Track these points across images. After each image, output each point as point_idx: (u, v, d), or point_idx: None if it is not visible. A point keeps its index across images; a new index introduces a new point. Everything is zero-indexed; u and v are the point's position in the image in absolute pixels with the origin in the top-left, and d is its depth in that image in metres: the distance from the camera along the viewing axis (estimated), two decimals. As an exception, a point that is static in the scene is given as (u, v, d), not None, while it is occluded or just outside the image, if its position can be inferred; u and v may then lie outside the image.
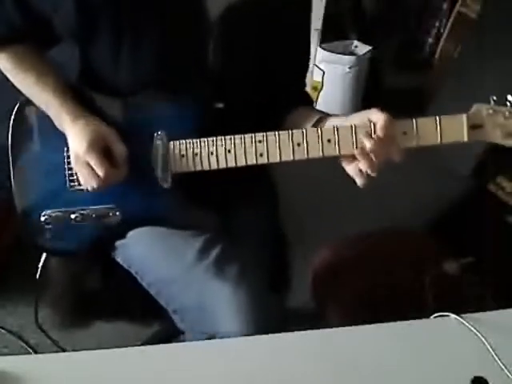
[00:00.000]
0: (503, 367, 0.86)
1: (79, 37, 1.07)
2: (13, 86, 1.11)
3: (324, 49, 2.85)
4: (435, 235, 1.79)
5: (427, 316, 0.97)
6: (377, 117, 0.96)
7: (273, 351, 0.91)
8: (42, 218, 1.12)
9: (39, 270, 1.19)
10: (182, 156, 1.03)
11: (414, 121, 0.97)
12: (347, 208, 2.34)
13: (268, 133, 1.00)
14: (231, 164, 1.01)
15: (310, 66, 1.30)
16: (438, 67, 3.22)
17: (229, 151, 1.01)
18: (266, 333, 0.95)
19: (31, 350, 1.72)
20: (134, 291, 1.16)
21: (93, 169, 1.02)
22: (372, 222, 2.12)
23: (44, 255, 1.19)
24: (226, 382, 0.86)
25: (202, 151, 1.02)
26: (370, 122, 0.97)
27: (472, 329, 0.92)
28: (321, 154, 0.99)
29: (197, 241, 1.10)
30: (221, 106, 1.08)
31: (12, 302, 1.88)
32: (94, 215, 1.10)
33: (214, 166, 1.02)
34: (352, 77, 2.90)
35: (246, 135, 1.00)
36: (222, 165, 1.02)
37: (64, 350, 1.37)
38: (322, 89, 2.90)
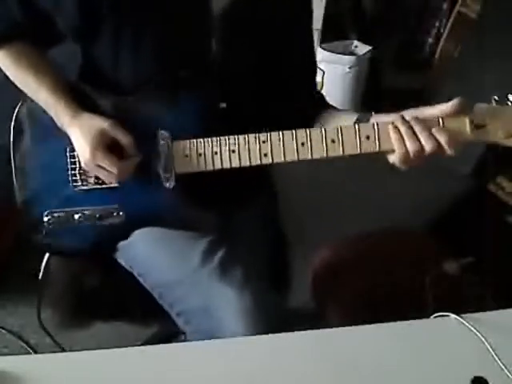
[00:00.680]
0: (503, 367, 0.86)
1: (80, 34, 1.07)
2: (13, 86, 1.11)
3: (324, 49, 2.85)
4: (435, 235, 1.79)
5: (427, 316, 0.97)
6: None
7: (273, 351, 0.90)
8: (45, 218, 1.11)
9: (42, 269, 1.19)
10: (186, 156, 1.03)
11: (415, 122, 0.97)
12: (347, 208, 2.34)
13: (272, 133, 0.99)
14: (235, 164, 1.01)
15: (316, 61, 1.30)
16: (438, 67, 3.22)
17: (233, 151, 1.00)
18: (268, 334, 0.95)
19: (31, 350, 1.72)
20: (134, 292, 1.16)
21: (106, 169, 1.02)
22: (372, 222, 2.12)
23: (47, 255, 1.19)
24: (226, 382, 0.86)
25: (206, 151, 1.01)
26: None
27: (472, 329, 0.92)
28: (325, 154, 0.99)
29: (200, 243, 1.10)
30: (224, 105, 1.08)
31: (12, 302, 1.88)
32: (97, 215, 1.09)
33: (218, 167, 1.01)
34: (352, 77, 2.90)
35: (249, 135, 1.00)
36: (226, 165, 1.01)
37: (64, 349, 1.37)
38: (321, 89, 2.89)
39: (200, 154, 1.02)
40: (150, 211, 1.09)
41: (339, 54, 2.87)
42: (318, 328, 0.94)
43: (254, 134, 1.00)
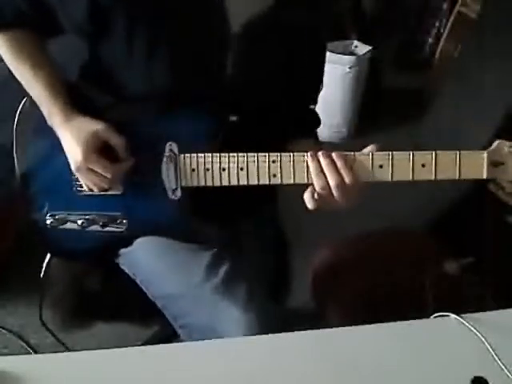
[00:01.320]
0: (503, 367, 0.86)
1: (87, 36, 1.05)
2: (15, 85, 1.10)
3: (324, 49, 2.84)
4: (435, 235, 1.79)
5: (427, 316, 0.97)
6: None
7: (273, 351, 0.90)
8: (48, 221, 1.10)
9: (43, 269, 1.19)
10: (193, 170, 1.00)
11: (433, 154, 0.94)
12: (347, 208, 2.34)
13: (283, 154, 0.97)
14: (243, 182, 0.98)
15: (323, 79, 1.31)
16: (438, 67, 3.22)
17: (241, 169, 0.98)
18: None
19: (31, 350, 1.72)
20: (134, 292, 1.16)
21: (98, 172, 1.01)
22: (372, 222, 2.12)
23: (48, 256, 1.19)
24: (226, 382, 0.86)
25: (214, 167, 0.99)
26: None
27: (472, 329, 0.92)
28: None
29: (204, 256, 1.09)
30: (234, 119, 1.07)
31: (12, 302, 1.88)
32: (100, 221, 1.08)
33: (225, 183, 0.99)
34: (352, 77, 2.90)
35: (259, 154, 0.97)
36: (234, 182, 0.99)
37: (67, 348, 1.37)
38: (321, 89, 2.89)
39: (207, 169, 1.00)
40: (153, 221, 1.07)
41: (339, 54, 2.86)
42: (318, 328, 0.94)
43: (263, 154, 0.97)
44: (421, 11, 3.40)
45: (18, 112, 1.12)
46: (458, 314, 0.95)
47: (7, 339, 1.78)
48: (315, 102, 1.26)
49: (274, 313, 1.06)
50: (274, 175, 0.97)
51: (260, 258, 1.22)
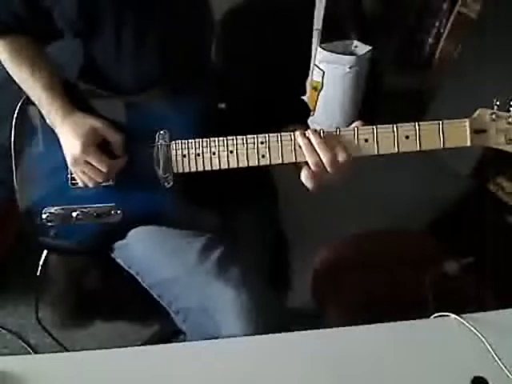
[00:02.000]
0: (503, 367, 0.86)
1: (81, 34, 1.08)
2: (13, 84, 1.11)
3: (324, 49, 2.84)
4: (435, 235, 1.79)
5: (427, 316, 0.97)
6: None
7: (273, 351, 0.91)
8: (44, 216, 1.12)
9: (40, 267, 1.19)
10: (184, 156, 1.03)
11: (416, 125, 0.97)
12: (347, 208, 2.35)
13: (270, 134, 1.00)
14: (233, 165, 1.01)
15: (310, 65, 1.31)
16: (438, 67, 3.22)
17: (231, 152, 1.01)
18: (268, 333, 0.95)
19: (31, 350, 1.72)
20: (133, 291, 1.16)
21: (94, 166, 1.02)
22: (372, 221, 2.12)
23: (45, 252, 1.19)
24: (226, 382, 0.86)
25: (204, 152, 1.02)
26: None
27: (472, 329, 0.92)
28: None
29: (198, 241, 1.10)
30: (223, 106, 1.08)
31: (12, 302, 1.88)
32: (95, 213, 1.10)
33: (216, 167, 1.02)
34: (352, 77, 2.90)
35: (248, 136, 1.00)
36: (224, 166, 1.02)
37: (64, 347, 1.37)
38: (322, 89, 2.90)
39: (198, 155, 1.02)
40: (147, 210, 1.10)
41: (339, 53, 2.86)
42: (318, 328, 0.94)
43: (252, 136, 1.00)
44: (421, 11, 3.39)
45: (17, 110, 1.13)
46: (458, 314, 0.95)
47: (7, 339, 1.78)
48: (304, 91, 1.29)
49: (268, 294, 1.07)
50: (263, 156, 1.00)
51: (255, 241, 1.22)
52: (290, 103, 1.21)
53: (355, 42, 3.01)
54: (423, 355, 0.90)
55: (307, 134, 0.98)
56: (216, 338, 1.01)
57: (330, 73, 2.87)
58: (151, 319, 1.39)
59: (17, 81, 1.10)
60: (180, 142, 1.03)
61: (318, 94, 2.91)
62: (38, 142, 1.13)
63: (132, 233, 1.13)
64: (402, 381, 0.87)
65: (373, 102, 3.08)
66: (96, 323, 1.35)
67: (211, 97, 1.07)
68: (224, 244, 1.10)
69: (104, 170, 1.02)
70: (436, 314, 0.96)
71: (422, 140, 0.97)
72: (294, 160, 1.00)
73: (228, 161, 1.01)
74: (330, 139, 0.97)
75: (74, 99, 1.08)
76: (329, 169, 0.97)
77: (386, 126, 0.98)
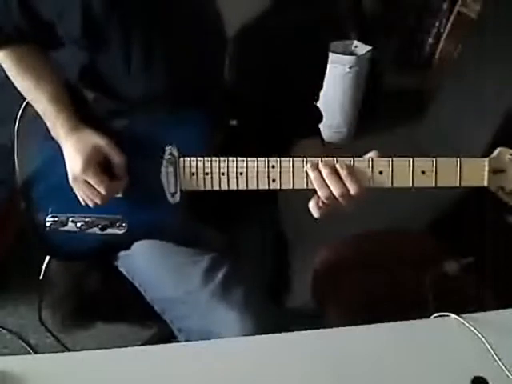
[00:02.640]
0: (503, 367, 0.86)
1: (84, 47, 1.04)
2: (13, 86, 1.10)
3: (324, 49, 2.84)
4: (435, 235, 1.78)
5: (427, 316, 0.97)
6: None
7: (273, 351, 0.91)
8: (48, 222, 1.11)
9: (43, 270, 1.19)
10: (193, 174, 1.01)
11: (433, 160, 0.94)
12: (351, 210, 2.34)
13: (282, 158, 0.97)
14: (242, 186, 0.99)
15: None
16: (438, 67, 3.22)
17: (240, 173, 0.98)
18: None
19: (31, 350, 1.72)
20: (134, 293, 1.16)
21: (93, 186, 1.00)
22: (372, 222, 2.12)
23: (47, 258, 1.19)
24: (226, 382, 0.86)
25: (213, 171, 0.99)
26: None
27: (472, 329, 0.92)
28: None
29: (202, 260, 1.09)
30: (234, 123, 1.07)
31: (12, 302, 1.88)
32: (99, 224, 1.08)
33: (225, 187, 0.99)
34: (352, 77, 2.90)
35: (259, 159, 0.97)
36: (233, 187, 0.99)
37: (66, 348, 1.37)
38: (322, 86, 2.89)
39: (207, 174, 1.00)
40: (153, 225, 1.08)
41: (339, 54, 2.86)
42: (318, 328, 0.94)
43: (263, 158, 0.97)
44: (421, 11, 3.40)
45: (19, 115, 1.12)
46: (458, 314, 0.95)
47: (7, 339, 1.78)
48: (317, 99, 1.26)
49: (272, 316, 1.06)
50: (274, 180, 0.97)
51: (259, 260, 1.21)
52: (303, 113, 1.19)
53: (355, 42, 3.01)
54: (423, 355, 0.90)
55: (318, 166, 0.95)
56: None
57: (330, 73, 2.86)
58: (151, 320, 1.39)
59: (21, 92, 1.08)
60: (189, 159, 1.01)
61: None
62: (42, 147, 1.11)
63: (136, 245, 1.11)
64: (402, 381, 0.87)
65: (373, 101, 3.08)
66: (97, 324, 1.35)
67: (222, 113, 1.05)
68: (227, 264, 1.09)
69: (102, 191, 1.00)
70: (436, 314, 0.96)
71: (439, 176, 0.94)
72: (305, 187, 0.97)
73: (237, 182, 0.98)
74: (341, 169, 0.94)
75: (80, 111, 1.06)
76: (340, 201, 0.95)
77: (402, 159, 0.94)
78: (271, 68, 1.06)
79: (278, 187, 0.98)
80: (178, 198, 1.03)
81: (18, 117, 1.12)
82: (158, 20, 0.99)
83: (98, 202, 1.02)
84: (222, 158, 0.99)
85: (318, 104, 1.27)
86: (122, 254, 1.14)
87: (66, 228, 1.10)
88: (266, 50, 1.05)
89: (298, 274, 1.37)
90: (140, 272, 1.14)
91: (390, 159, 0.94)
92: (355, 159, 0.95)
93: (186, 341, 1.09)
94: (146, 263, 1.12)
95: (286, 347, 0.91)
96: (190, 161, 1.01)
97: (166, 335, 1.34)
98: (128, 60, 1.01)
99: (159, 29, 1.00)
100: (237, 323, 1.01)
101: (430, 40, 3.40)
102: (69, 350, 1.35)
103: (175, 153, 1.01)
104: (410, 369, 0.88)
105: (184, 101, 1.02)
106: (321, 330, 0.95)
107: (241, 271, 1.10)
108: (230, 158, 0.98)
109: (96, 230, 1.09)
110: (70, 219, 1.10)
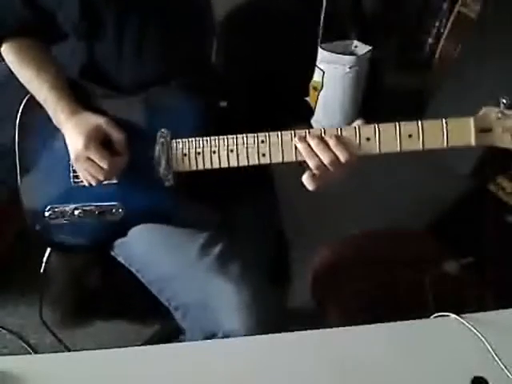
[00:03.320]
0: (503, 367, 0.86)
1: (82, 33, 1.08)
2: (16, 82, 1.12)
3: (324, 49, 2.84)
4: (435, 235, 1.79)
5: (427, 316, 0.97)
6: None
7: (273, 351, 0.91)
8: (47, 213, 1.12)
9: (43, 264, 1.19)
10: (185, 155, 1.03)
11: (419, 123, 0.95)
12: (347, 208, 2.35)
13: (271, 133, 0.99)
14: (233, 164, 1.01)
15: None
16: (438, 67, 3.22)
17: (231, 151, 1.01)
18: (267, 330, 0.96)
19: (31, 350, 1.72)
20: (134, 291, 1.16)
21: (95, 163, 1.02)
22: (372, 222, 2.12)
23: (48, 250, 1.19)
24: (226, 382, 0.86)
25: (205, 150, 1.02)
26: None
27: (472, 329, 0.92)
28: None
29: (199, 238, 1.10)
30: (225, 104, 1.08)
31: (12, 302, 1.88)
32: (96, 212, 1.10)
33: (216, 166, 1.02)
34: (352, 77, 2.90)
35: (248, 135, 1.00)
36: (224, 164, 1.02)
37: (66, 347, 1.37)
38: (322, 89, 2.89)
39: (198, 153, 1.02)
40: (149, 209, 1.10)
41: (339, 54, 2.86)
42: (318, 328, 0.94)
43: (252, 134, 1.00)
44: (421, 11, 3.40)
45: (21, 109, 1.13)
46: (458, 314, 0.95)
47: (7, 339, 1.78)
48: (307, 93, 1.29)
49: (268, 290, 1.07)
50: (263, 155, 1.00)
51: (254, 235, 1.22)
52: (293, 104, 1.21)
53: (355, 42, 3.01)
54: (423, 355, 0.90)
55: (306, 138, 0.97)
56: (215, 333, 1.02)
57: (330, 73, 2.87)
58: (151, 319, 1.39)
59: (23, 82, 1.11)
60: (180, 140, 1.03)
61: (318, 94, 2.91)
62: (41, 141, 1.13)
63: (133, 230, 1.14)
64: (402, 381, 0.87)
65: (373, 101, 3.08)
66: (97, 322, 1.35)
67: (213, 95, 1.07)
68: (224, 240, 1.11)
69: (105, 166, 1.02)
70: (436, 314, 0.96)
71: (426, 139, 0.95)
72: (294, 159, 0.99)
73: (228, 159, 1.01)
74: (330, 139, 0.96)
75: (78, 98, 1.09)
76: (331, 169, 0.97)
77: (389, 124, 0.96)
78: (260, 52, 1.09)
79: (269, 161, 1.00)
80: (171, 180, 1.05)
81: (19, 112, 1.14)
82: (151, 5, 1.03)
83: (101, 178, 1.04)
84: (212, 137, 1.01)
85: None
86: (118, 241, 1.16)
87: (63, 217, 1.12)
88: (255, 33, 1.08)
89: (298, 274, 1.37)
90: (137, 255, 1.15)
91: (376, 125, 0.96)
92: (342, 128, 0.97)
93: (183, 319, 1.10)
94: (142, 246, 1.14)
95: (286, 347, 0.91)
96: (182, 142, 1.03)
97: (166, 335, 1.35)
98: (121, 46, 1.05)
99: (151, 13, 1.03)
100: (234, 295, 1.02)
101: (430, 40, 3.40)
102: (69, 350, 1.35)
103: (167, 136, 1.04)
104: (410, 369, 0.88)
105: (174, 84, 1.05)
106: (321, 330, 0.95)
107: (237, 247, 1.12)
108: (220, 137, 1.01)
109: (93, 217, 1.11)
110: (68, 209, 1.11)
